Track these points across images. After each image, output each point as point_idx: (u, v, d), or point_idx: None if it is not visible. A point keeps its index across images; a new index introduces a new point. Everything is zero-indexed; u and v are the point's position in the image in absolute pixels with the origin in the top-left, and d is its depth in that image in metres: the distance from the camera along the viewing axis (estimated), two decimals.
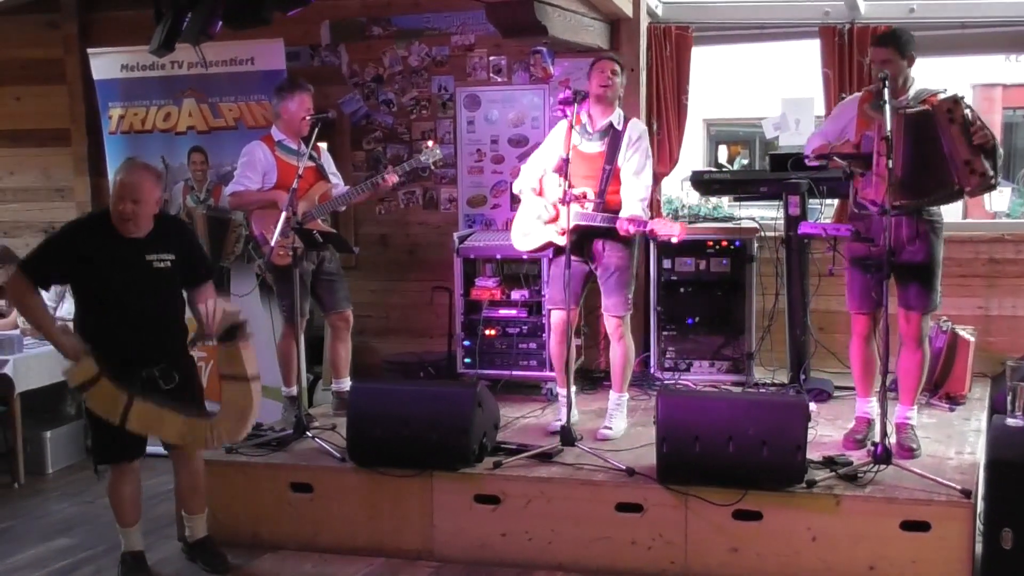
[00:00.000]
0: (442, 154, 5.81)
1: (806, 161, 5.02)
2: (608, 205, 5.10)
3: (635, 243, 5.23)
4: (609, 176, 5.13)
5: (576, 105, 5.02)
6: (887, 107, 4.35)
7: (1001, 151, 4.54)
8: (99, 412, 4.28)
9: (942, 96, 4.53)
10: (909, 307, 4.71)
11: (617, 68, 5.15)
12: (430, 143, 5.79)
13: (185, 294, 4.61)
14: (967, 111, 4.45)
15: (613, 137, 5.14)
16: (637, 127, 5.22)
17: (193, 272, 4.58)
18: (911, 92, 4.65)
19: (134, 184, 4.32)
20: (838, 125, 4.86)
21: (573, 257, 4.97)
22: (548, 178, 5.28)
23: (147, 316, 4.40)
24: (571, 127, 5.00)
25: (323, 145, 5.87)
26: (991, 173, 4.45)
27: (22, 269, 4.41)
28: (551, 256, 5.36)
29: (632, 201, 5.08)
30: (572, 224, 4.93)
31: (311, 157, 5.51)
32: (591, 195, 5.06)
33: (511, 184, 5.71)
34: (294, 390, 5.61)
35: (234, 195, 5.65)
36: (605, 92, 5.10)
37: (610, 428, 5.21)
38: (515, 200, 6.76)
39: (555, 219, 5.14)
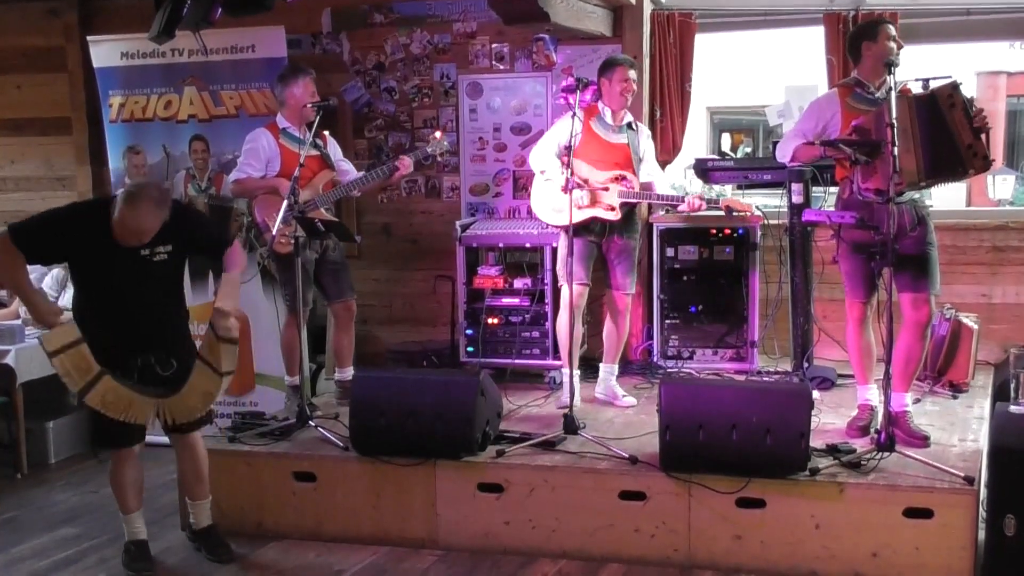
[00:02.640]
0: (449, 145, 5.82)
1: (786, 163, 5.10)
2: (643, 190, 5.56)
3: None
4: (638, 164, 5.55)
5: (579, 92, 5.05)
6: (893, 94, 4.36)
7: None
8: (65, 377, 4.21)
9: (940, 82, 4.52)
10: (918, 291, 4.70)
11: (634, 73, 5.51)
12: (437, 134, 5.80)
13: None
14: (964, 96, 4.48)
15: (632, 132, 5.57)
16: (641, 124, 5.80)
17: (205, 252, 4.62)
18: (887, 82, 4.65)
19: (139, 225, 4.23)
20: (817, 123, 4.86)
21: (590, 237, 5.48)
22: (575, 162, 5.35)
23: (145, 306, 4.39)
24: (574, 115, 5.10)
25: (326, 133, 5.86)
26: (991, 156, 4.53)
27: (12, 236, 4.29)
28: (567, 233, 5.26)
29: (666, 186, 5.85)
30: (622, 201, 5.43)
31: (316, 146, 5.52)
32: (631, 177, 5.46)
33: (526, 160, 6.11)
34: (297, 379, 5.61)
35: (236, 183, 5.64)
36: (629, 98, 5.48)
37: (627, 395, 5.64)
38: (518, 188, 6.80)
39: (595, 203, 5.44)
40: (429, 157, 5.90)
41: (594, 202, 5.44)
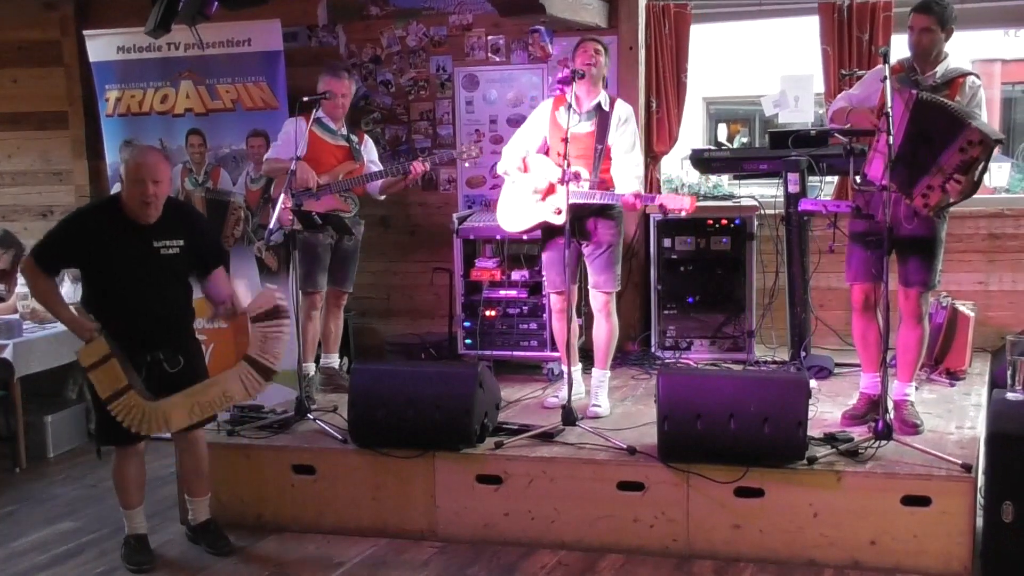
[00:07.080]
0: (479, 151, 6.01)
1: (828, 124, 4.98)
2: (601, 184, 5.13)
3: (623, 220, 5.29)
4: (601, 155, 5.14)
5: (575, 84, 5.01)
6: (887, 83, 4.34)
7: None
8: (98, 389, 4.29)
9: (985, 128, 4.34)
10: (907, 283, 4.70)
11: (600, 48, 5.15)
12: (475, 151, 5.95)
13: (199, 283, 4.65)
14: (982, 162, 4.32)
15: (601, 118, 5.15)
16: (624, 108, 5.23)
17: (202, 259, 4.59)
18: (939, 69, 4.58)
19: (152, 165, 4.33)
20: (865, 91, 4.78)
21: (562, 239, 4.99)
22: (533, 159, 5.29)
23: (154, 302, 4.40)
24: (569, 107, 4.97)
25: (365, 135, 5.92)
26: (930, 211, 4.44)
27: (34, 256, 4.42)
28: (543, 239, 5.34)
29: (628, 177, 5.13)
30: (569, 203, 4.90)
31: (347, 139, 5.69)
32: (585, 174, 5.05)
33: (494, 165, 5.79)
34: (311, 367, 5.60)
35: (267, 160, 5.78)
36: (589, 69, 5.05)
37: (599, 406, 5.24)
38: None
39: (550, 191, 5.16)
40: (445, 157, 6.00)
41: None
